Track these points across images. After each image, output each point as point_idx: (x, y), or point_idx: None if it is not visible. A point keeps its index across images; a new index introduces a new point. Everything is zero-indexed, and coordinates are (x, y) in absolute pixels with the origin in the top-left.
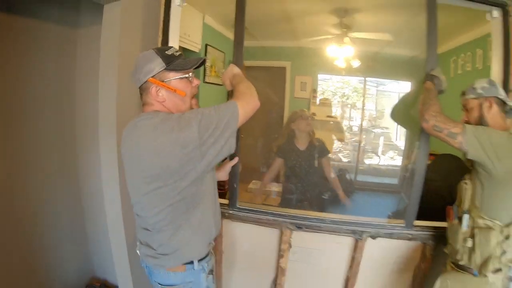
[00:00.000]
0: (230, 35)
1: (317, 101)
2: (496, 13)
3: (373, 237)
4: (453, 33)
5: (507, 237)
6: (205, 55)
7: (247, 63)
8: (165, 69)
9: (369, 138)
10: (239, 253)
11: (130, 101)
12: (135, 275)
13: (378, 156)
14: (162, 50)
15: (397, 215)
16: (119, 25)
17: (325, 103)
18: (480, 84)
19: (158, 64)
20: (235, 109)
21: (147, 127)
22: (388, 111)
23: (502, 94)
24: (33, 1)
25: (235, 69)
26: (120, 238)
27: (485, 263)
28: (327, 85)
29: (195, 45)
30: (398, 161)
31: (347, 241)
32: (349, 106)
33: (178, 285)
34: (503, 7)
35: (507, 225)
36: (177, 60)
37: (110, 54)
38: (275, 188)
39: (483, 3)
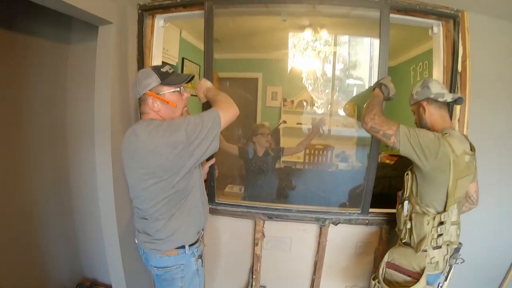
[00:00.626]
0: None
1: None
2: (436, 28)
3: (335, 223)
4: (412, 45)
5: (441, 223)
6: (182, 68)
7: (222, 74)
8: (160, 83)
9: (343, 88)
10: (220, 245)
11: (121, 109)
12: (127, 271)
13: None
14: (158, 67)
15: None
16: (112, 44)
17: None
18: (415, 90)
19: (154, 80)
20: (217, 116)
21: (143, 132)
22: (360, 59)
23: (433, 92)
24: (30, 20)
25: (208, 83)
26: (113, 234)
27: (420, 242)
28: (298, 39)
29: (173, 59)
30: None
31: (313, 228)
32: (320, 58)
33: (172, 267)
34: (454, 18)
35: (439, 213)
36: (170, 76)
37: (105, 68)
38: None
39: (434, 14)
